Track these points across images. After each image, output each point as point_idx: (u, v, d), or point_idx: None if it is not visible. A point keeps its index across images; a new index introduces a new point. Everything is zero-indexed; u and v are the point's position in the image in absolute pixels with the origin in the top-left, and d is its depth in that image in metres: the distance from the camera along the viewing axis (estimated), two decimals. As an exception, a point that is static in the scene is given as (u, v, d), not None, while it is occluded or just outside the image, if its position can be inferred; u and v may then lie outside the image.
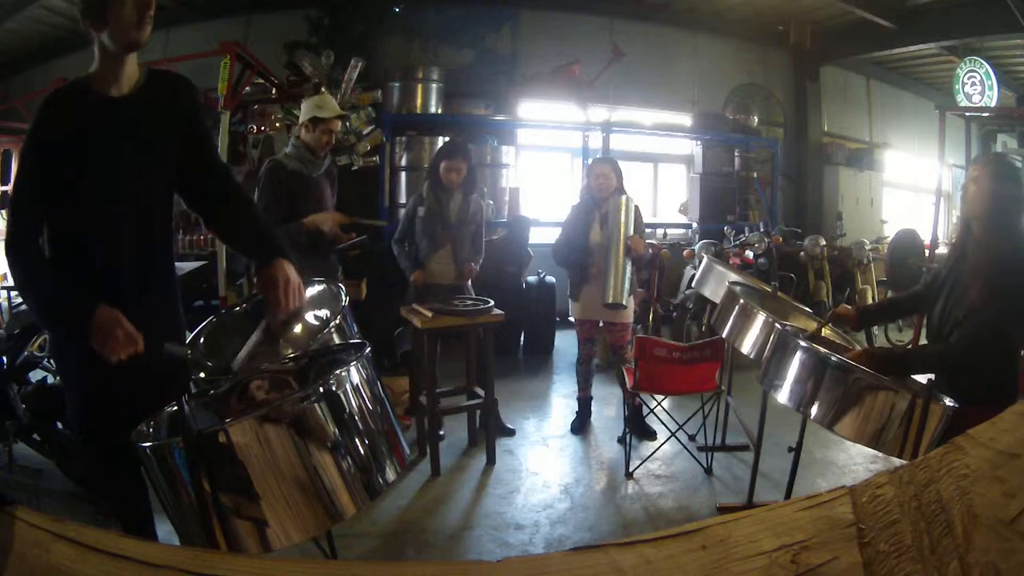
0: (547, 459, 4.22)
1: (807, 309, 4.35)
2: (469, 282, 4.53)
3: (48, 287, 1.93)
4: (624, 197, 4.24)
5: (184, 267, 6.00)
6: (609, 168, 4.40)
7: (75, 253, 2.02)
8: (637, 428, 4.26)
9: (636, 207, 4.30)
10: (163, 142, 2.10)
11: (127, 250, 2.06)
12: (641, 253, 4.21)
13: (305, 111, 3.84)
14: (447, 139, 6.20)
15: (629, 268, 4.17)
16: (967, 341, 2.44)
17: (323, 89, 5.69)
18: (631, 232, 4.17)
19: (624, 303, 4.13)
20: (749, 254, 6.84)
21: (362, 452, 1.71)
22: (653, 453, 4.05)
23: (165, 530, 1.97)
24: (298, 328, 2.88)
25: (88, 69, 2.01)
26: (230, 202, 2.24)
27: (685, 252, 6.90)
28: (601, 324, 4.50)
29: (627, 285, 4.15)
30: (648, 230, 8.21)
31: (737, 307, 3.53)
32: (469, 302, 4.06)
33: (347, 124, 6.22)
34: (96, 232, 2.02)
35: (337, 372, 1.71)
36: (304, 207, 3.73)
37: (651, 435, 4.35)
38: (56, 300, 1.92)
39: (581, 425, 4.63)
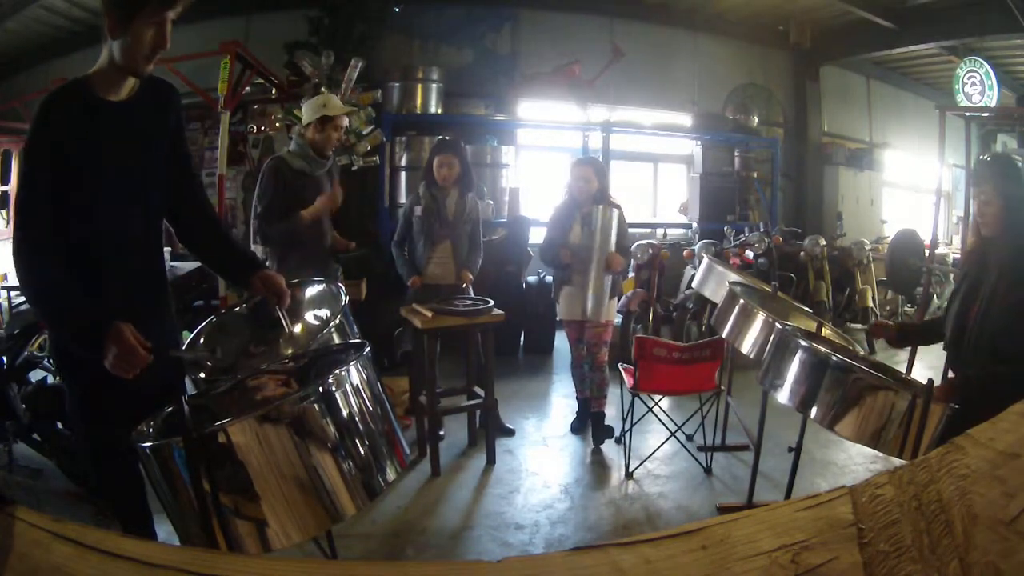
0: (547, 459, 4.22)
1: (807, 309, 4.36)
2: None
3: (65, 297, 1.88)
4: (615, 211, 4.23)
5: (184, 267, 6.00)
6: (591, 171, 4.35)
7: (84, 257, 1.98)
8: (598, 431, 4.35)
9: (622, 217, 4.30)
10: (159, 150, 2.12)
11: (135, 254, 2.09)
12: (617, 271, 4.25)
13: (311, 112, 3.83)
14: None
15: (608, 281, 4.21)
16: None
17: (323, 89, 5.70)
18: (612, 248, 4.18)
19: (601, 320, 4.21)
20: (749, 254, 6.84)
21: (362, 452, 1.71)
22: (653, 453, 4.05)
23: (165, 530, 1.97)
24: (298, 328, 2.88)
25: (89, 71, 1.98)
26: (207, 217, 2.32)
27: (685, 252, 6.89)
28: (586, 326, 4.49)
29: (605, 300, 4.19)
30: (648, 230, 8.26)
31: (737, 307, 3.53)
32: (469, 302, 4.06)
33: (348, 124, 6.22)
34: (107, 236, 2.01)
35: (337, 372, 1.71)
36: (305, 205, 3.74)
37: (608, 435, 4.36)
38: (72, 312, 1.87)
39: (581, 425, 4.62)
